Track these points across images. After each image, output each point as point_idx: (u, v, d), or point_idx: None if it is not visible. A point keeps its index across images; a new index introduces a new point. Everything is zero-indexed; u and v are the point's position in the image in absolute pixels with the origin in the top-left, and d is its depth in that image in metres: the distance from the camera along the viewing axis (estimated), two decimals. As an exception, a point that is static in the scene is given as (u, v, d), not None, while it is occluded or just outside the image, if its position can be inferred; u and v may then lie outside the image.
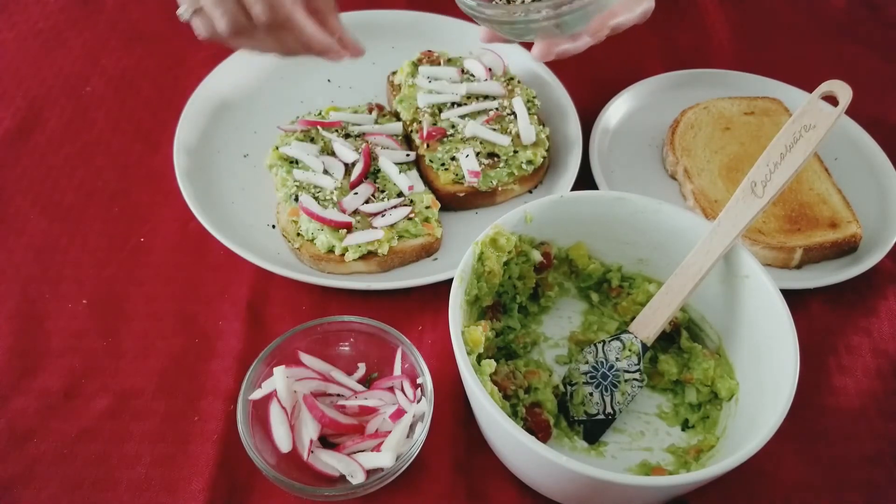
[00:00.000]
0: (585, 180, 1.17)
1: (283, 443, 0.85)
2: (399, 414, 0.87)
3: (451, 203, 1.14)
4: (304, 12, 0.92)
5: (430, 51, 1.27)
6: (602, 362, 0.93)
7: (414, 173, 1.13)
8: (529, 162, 1.14)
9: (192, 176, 1.13)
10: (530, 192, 1.18)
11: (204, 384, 0.96)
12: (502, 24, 0.91)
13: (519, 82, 1.23)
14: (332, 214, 1.05)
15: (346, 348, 0.95)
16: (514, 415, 0.90)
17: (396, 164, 1.12)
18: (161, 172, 1.18)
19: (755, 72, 1.34)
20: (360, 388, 0.92)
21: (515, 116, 1.17)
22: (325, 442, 0.89)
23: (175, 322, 1.02)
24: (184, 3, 0.91)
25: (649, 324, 0.92)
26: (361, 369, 0.94)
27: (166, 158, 1.17)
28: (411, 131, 1.19)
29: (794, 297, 1.00)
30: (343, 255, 1.04)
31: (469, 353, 0.83)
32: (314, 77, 1.32)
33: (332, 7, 1.00)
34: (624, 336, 0.93)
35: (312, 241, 1.05)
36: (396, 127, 1.19)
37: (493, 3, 0.92)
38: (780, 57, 1.43)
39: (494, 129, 1.15)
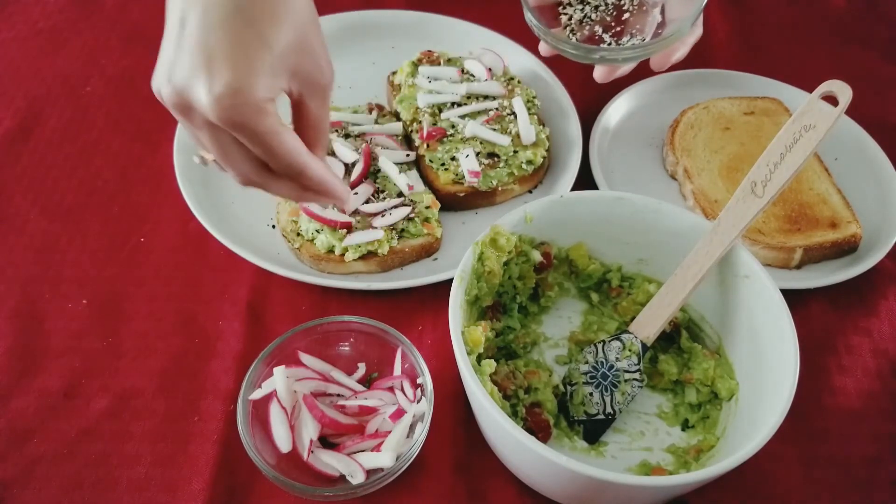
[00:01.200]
0: (585, 180, 1.17)
1: (283, 443, 0.85)
2: (399, 414, 0.87)
3: (451, 203, 1.14)
4: (318, 160, 0.80)
5: (430, 51, 1.27)
6: (602, 362, 0.93)
7: (414, 173, 1.13)
8: (529, 162, 1.14)
9: (192, 176, 1.13)
10: (530, 192, 1.18)
11: (204, 384, 0.96)
12: (570, 53, 1.00)
13: (519, 82, 1.23)
14: (332, 214, 1.05)
15: (346, 348, 0.95)
16: (514, 415, 0.90)
17: (396, 164, 1.12)
18: (161, 172, 1.18)
19: (755, 72, 1.34)
20: (360, 388, 0.92)
21: (515, 116, 1.17)
22: (325, 442, 0.89)
23: (175, 322, 1.02)
24: (198, 153, 0.83)
25: (649, 324, 0.92)
26: (361, 369, 0.94)
27: (166, 158, 1.17)
28: (411, 131, 1.19)
29: (794, 297, 1.00)
30: (343, 255, 1.04)
31: (469, 353, 0.83)
32: (314, 77, 1.32)
33: (323, 143, 0.86)
34: (624, 336, 0.93)
35: (312, 241, 1.05)
36: (396, 127, 1.19)
37: (564, 27, 1.03)
38: (780, 57, 1.43)
39: (494, 129, 1.15)
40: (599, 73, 1.05)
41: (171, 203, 1.14)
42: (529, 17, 1.01)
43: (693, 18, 0.96)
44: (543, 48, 1.07)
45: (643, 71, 1.32)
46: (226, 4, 0.71)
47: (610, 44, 1.01)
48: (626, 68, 1.05)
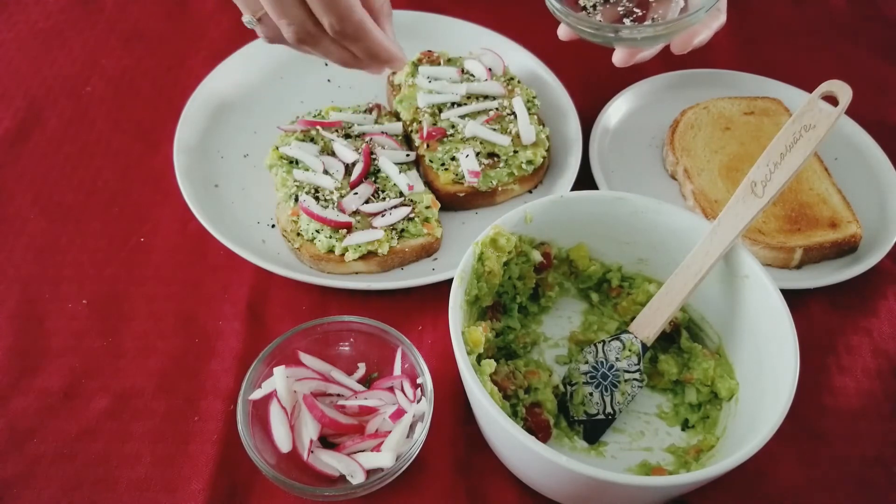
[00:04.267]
0: (585, 180, 1.17)
1: (283, 443, 0.85)
2: (399, 414, 0.87)
3: (451, 203, 1.14)
4: (371, 21, 0.87)
5: (430, 51, 1.27)
6: (602, 362, 0.93)
7: (414, 173, 1.13)
8: (529, 162, 1.14)
9: (192, 176, 1.13)
10: (530, 192, 1.18)
11: (204, 384, 0.96)
12: (590, 34, 0.97)
13: (519, 82, 1.23)
14: (332, 214, 1.05)
15: (346, 348, 0.95)
16: (514, 415, 0.90)
17: (396, 164, 1.12)
18: (161, 172, 1.18)
19: (755, 72, 1.34)
20: (360, 388, 0.92)
21: (515, 116, 1.17)
22: (325, 442, 0.89)
23: (175, 322, 1.02)
24: (246, 13, 0.88)
25: (649, 324, 0.92)
26: (361, 369, 0.94)
27: (166, 158, 1.17)
28: (411, 131, 1.19)
29: (794, 297, 1.00)
30: (343, 255, 1.04)
31: (469, 353, 0.83)
32: (314, 77, 1.32)
33: (388, 10, 0.95)
34: (624, 336, 0.93)
35: (312, 241, 1.05)
36: (396, 127, 1.19)
37: (586, 12, 1.00)
38: (780, 57, 1.43)
39: (494, 129, 1.15)
40: (619, 57, 1.01)
41: (171, 203, 1.14)
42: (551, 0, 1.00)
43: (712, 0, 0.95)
44: (562, 31, 1.04)
45: (643, 71, 1.33)
46: None
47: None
48: (646, 53, 1.02)
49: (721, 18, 1.05)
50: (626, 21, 0.99)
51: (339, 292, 1.06)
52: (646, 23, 0.98)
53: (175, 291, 1.05)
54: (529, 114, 1.18)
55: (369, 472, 0.84)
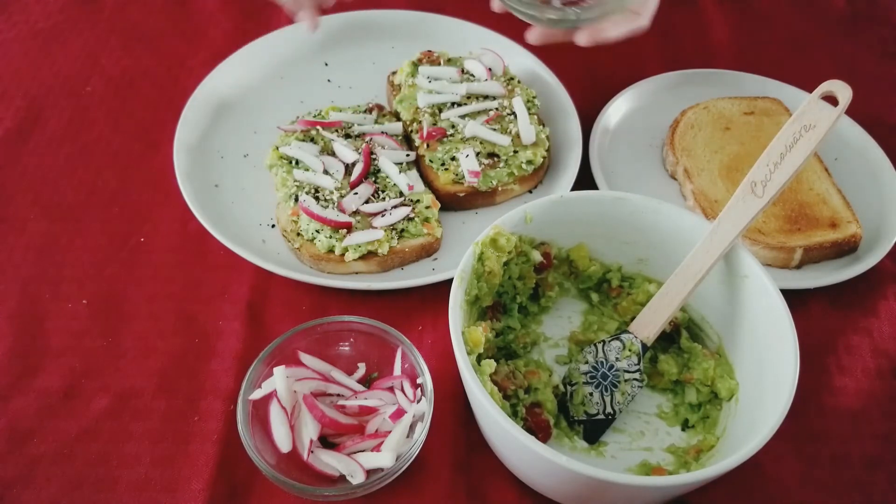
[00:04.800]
0: (585, 180, 1.17)
1: (283, 443, 0.85)
2: (399, 414, 0.87)
3: (451, 203, 1.14)
4: None
5: (430, 51, 1.27)
6: (602, 362, 0.93)
7: (414, 173, 1.13)
8: (529, 162, 1.14)
9: (192, 176, 1.13)
10: (530, 192, 1.18)
11: (204, 384, 0.96)
12: (515, 10, 1.05)
13: (519, 82, 1.23)
14: (332, 214, 1.05)
15: (346, 348, 0.95)
16: (514, 415, 0.90)
17: (396, 164, 1.12)
18: (161, 172, 1.18)
19: (755, 72, 1.34)
20: (360, 388, 0.92)
21: (515, 116, 1.17)
22: (325, 442, 0.89)
23: (175, 322, 1.02)
24: None
25: (649, 324, 0.92)
26: (361, 369, 0.94)
27: (166, 158, 1.17)
28: (411, 131, 1.19)
29: (794, 297, 1.00)
30: (343, 255, 1.04)
31: (469, 353, 0.83)
32: (314, 77, 1.32)
33: None
34: (624, 336, 0.93)
35: (312, 241, 1.05)
36: (396, 127, 1.19)
37: None
38: (780, 57, 1.43)
39: (494, 129, 1.15)
40: (533, 36, 1.09)
41: (171, 203, 1.14)
42: None
43: None
44: (496, 5, 1.11)
45: (643, 71, 1.33)
46: None
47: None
48: (558, 37, 1.08)
49: (640, 23, 1.07)
50: (555, 2, 1.03)
51: (339, 292, 1.06)
52: (571, 7, 1.02)
53: (175, 291, 1.05)
54: (529, 114, 1.17)
55: (369, 472, 0.84)
